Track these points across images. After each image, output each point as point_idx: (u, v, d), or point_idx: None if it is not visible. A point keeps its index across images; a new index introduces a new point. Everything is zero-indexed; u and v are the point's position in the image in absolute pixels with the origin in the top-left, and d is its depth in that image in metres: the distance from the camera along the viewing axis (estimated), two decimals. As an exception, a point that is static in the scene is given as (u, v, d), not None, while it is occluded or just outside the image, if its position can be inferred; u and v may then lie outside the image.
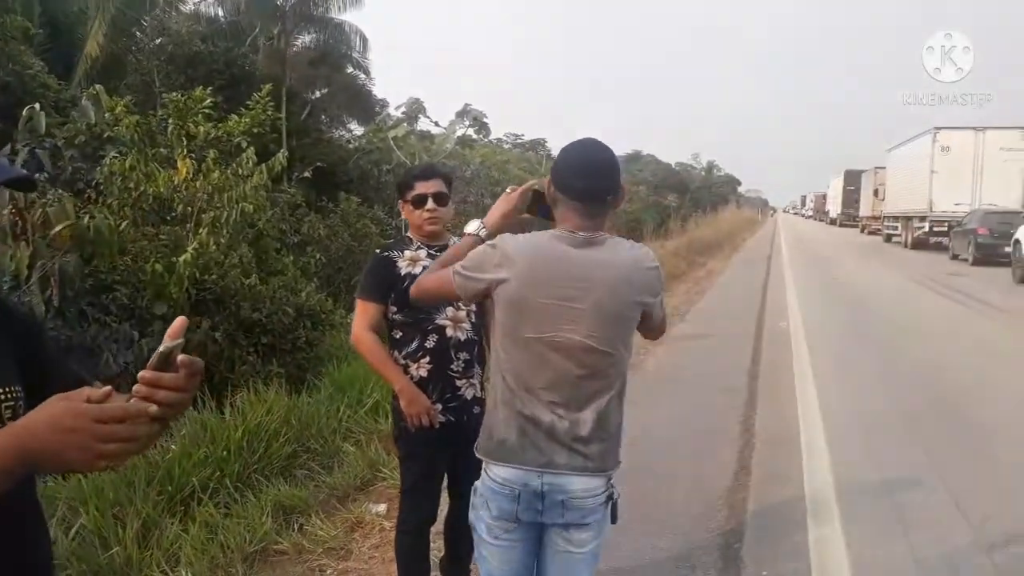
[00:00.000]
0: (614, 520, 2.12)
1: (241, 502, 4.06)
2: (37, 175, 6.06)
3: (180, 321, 1.14)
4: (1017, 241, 15.56)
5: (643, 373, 7.64)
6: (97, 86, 7.64)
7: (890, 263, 21.21)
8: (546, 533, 2.14)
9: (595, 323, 1.99)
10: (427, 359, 2.85)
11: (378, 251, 3.04)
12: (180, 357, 1.11)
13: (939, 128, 24.57)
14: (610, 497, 2.10)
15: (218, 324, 6.35)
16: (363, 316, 2.89)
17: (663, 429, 5.64)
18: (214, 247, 6.47)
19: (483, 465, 2.14)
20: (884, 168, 34.18)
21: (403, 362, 2.88)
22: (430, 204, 2.88)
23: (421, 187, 2.89)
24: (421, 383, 2.85)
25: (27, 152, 6.55)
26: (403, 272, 2.84)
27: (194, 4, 18.83)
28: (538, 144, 56.51)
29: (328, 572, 3.58)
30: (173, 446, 4.44)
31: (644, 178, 48.12)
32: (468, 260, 2.09)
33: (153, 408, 1.03)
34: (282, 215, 10.54)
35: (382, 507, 4.11)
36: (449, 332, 2.87)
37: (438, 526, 3.14)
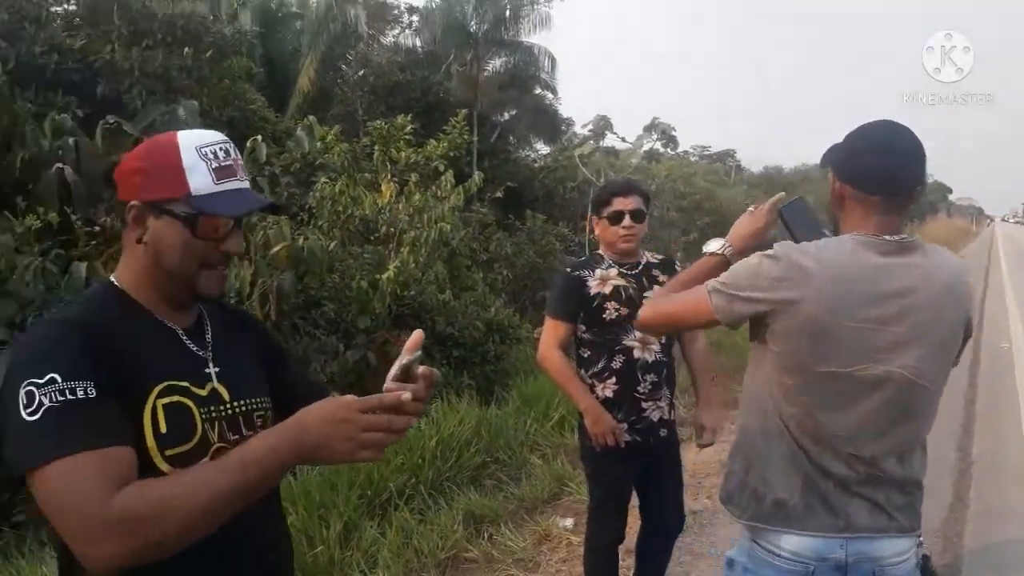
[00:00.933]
0: None
1: (434, 509, 4.25)
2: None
3: (418, 334, 1.26)
4: None
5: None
6: (310, 117, 8.35)
7: None
8: None
9: (917, 351, 1.59)
10: (613, 380, 2.82)
11: (568, 269, 3.02)
12: (419, 368, 1.22)
13: None
14: (923, 561, 1.76)
15: (415, 338, 6.71)
16: (551, 334, 2.90)
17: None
18: (413, 265, 6.86)
19: (748, 535, 1.76)
20: None
21: (589, 381, 2.86)
22: (627, 221, 2.84)
23: (619, 203, 2.85)
24: (607, 403, 2.81)
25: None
26: (593, 292, 2.83)
27: (394, 37, 20.03)
28: (726, 155, 54.89)
29: (517, 582, 3.66)
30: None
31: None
32: (732, 276, 1.68)
33: (407, 395, 1.11)
34: (473, 234, 10.99)
35: (569, 521, 4.15)
36: (637, 353, 2.81)
37: (629, 543, 3.12)
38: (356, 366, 5.95)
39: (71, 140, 6.55)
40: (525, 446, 5.27)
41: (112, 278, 1.31)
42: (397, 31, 21.99)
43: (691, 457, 4.31)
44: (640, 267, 2.91)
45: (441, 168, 7.71)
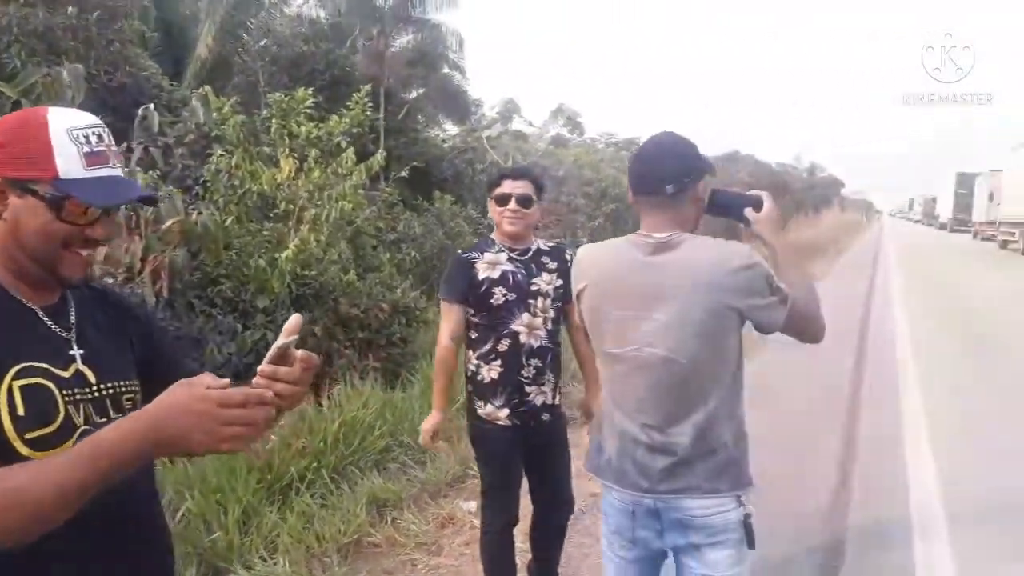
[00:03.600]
0: (751, 545, 1.90)
1: (336, 493, 4.15)
2: (150, 172, 6.32)
3: (296, 318, 1.22)
4: None
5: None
6: (206, 87, 7.97)
7: (1006, 272, 20.02)
8: (677, 560, 2.00)
9: (678, 334, 1.83)
10: (498, 362, 2.84)
11: (460, 252, 3.05)
12: (297, 352, 1.18)
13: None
14: (745, 520, 1.89)
15: (317, 318, 6.51)
16: (446, 320, 2.92)
17: (761, 433, 5.45)
18: (314, 243, 6.65)
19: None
20: (1000, 171, 32.29)
21: (476, 363, 2.89)
22: (512, 204, 2.85)
23: (508, 186, 2.87)
24: (490, 385, 2.85)
25: (141, 150, 6.87)
26: (481, 276, 2.83)
27: (298, 6, 19.38)
28: (632, 143, 55.58)
29: (419, 567, 3.61)
30: (273, 436, 4.58)
31: (741, 179, 46.88)
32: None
33: (269, 394, 1.09)
34: (379, 213, 10.76)
35: (472, 504, 4.12)
36: (523, 338, 2.83)
37: (525, 526, 3.13)
38: (255, 346, 5.74)
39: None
40: (430, 429, 5.19)
41: None
42: (301, 1, 21.31)
43: (584, 441, 4.35)
44: (530, 253, 2.91)
45: (343, 145, 7.48)
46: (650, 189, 1.88)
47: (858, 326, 10.58)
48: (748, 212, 2.00)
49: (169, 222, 5.27)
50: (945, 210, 53.39)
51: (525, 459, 2.96)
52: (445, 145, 20.93)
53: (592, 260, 2.00)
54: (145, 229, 5.25)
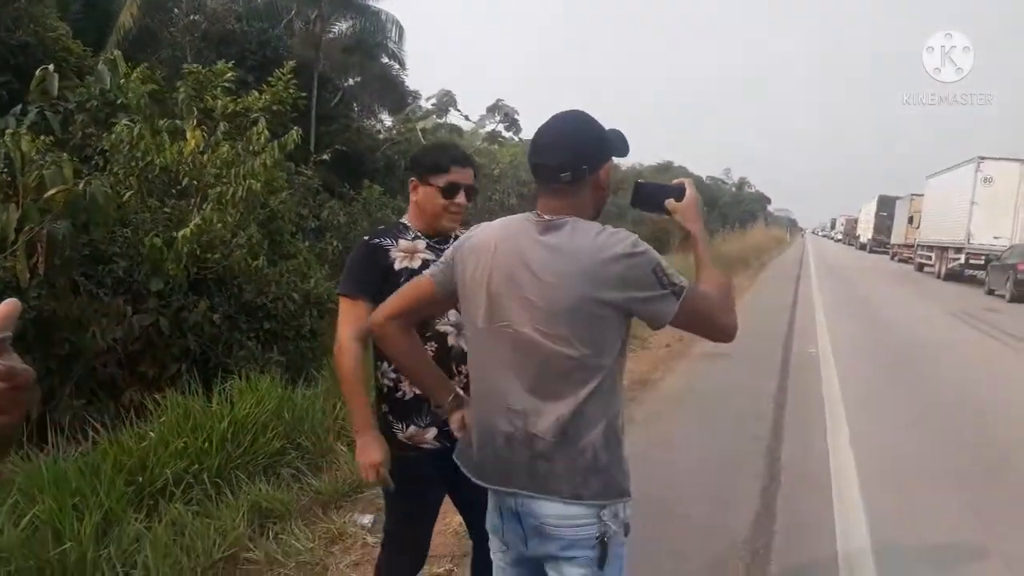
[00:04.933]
0: (600, 566, 1.73)
1: (216, 500, 3.73)
2: (42, 137, 5.77)
3: (8, 305, 0.80)
4: (1060, 280, 14.91)
5: (658, 392, 7.24)
6: (116, 52, 7.39)
7: (923, 293, 20.59)
8: (546, 570, 1.84)
9: (547, 317, 1.71)
10: None
11: (365, 237, 2.49)
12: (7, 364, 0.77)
13: (983, 158, 23.82)
14: (602, 537, 1.72)
15: (217, 305, 6.06)
16: (350, 317, 2.32)
17: (678, 459, 5.24)
18: (220, 225, 6.17)
19: None
20: (920, 195, 33.38)
21: (392, 376, 2.36)
22: (462, 197, 2.40)
23: (458, 174, 2.39)
24: (413, 402, 2.34)
25: (36, 113, 6.29)
26: (398, 266, 2.35)
27: (232, -18, 18.62)
28: (570, 148, 55.83)
29: (298, 589, 3.23)
30: (151, 432, 4.13)
31: (673, 189, 47.73)
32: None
33: None
34: (303, 200, 10.25)
35: (368, 518, 3.77)
36: (451, 340, 2.33)
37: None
38: (144, 332, 5.25)
39: None
40: (332, 432, 4.80)
41: None
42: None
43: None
44: (450, 241, 2.35)
45: (260, 120, 7.02)
46: (546, 176, 1.79)
47: (782, 341, 10.58)
48: (668, 202, 1.93)
49: (52, 191, 4.75)
50: (866, 231, 55.12)
51: (455, 490, 2.46)
52: (380, 136, 20.43)
53: (484, 234, 1.86)
54: (24, 197, 4.72)
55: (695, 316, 1.75)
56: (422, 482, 2.38)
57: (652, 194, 1.97)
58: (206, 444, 4.10)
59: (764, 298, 17.16)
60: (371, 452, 2.29)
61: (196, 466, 3.91)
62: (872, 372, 8.80)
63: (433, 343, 2.32)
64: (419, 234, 2.43)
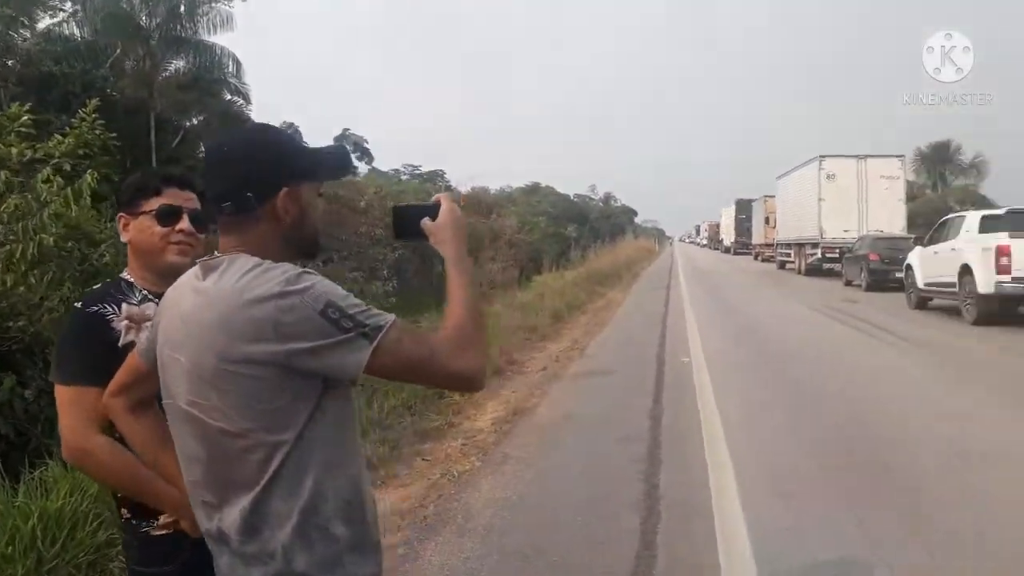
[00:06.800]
0: None
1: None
2: None
3: None
4: (908, 267, 15.65)
5: (533, 422, 6.84)
6: None
7: (786, 290, 21.33)
8: None
9: (197, 383, 1.35)
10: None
11: (78, 304, 1.89)
12: None
13: (824, 156, 25.24)
14: None
15: (29, 380, 5.26)
16: (78, 411, 1.73)
17: (552, 499, 4.83)
18: (22, 288, 5.37)
19: None
20: (772, 196, 35.04)
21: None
22: (185, 223, 1.86)
23: (172, 195, 1.87)
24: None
25: None
26: (123, 341, 1.79)
27: (48, 25, 17.27)
28: (436, 176, 56.27)
29: None
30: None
31: (543, 209, 48.60)
32: None
33: None
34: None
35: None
36: None
37: None
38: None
39: None
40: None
41: None
42: (58, 18, 19.12)
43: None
44: None
45: (67, 167, 6.24)
46: (213, 208, 1.43)
47: (656, 352, 10.46)
48: (424, 223, 1.55)
49: None
50: (728, 235, 57.55)
51: None
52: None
53: (168, 292, 1.51)
54: None
55: (405, 363, 1.34)
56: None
57: (413, 219, 1.57)
58: (8, 549, 3.38)
59: (637, 308, 17.25)
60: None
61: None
62: (744, 377, 8.73)
63: None
64: (147, 294, 1.87)
